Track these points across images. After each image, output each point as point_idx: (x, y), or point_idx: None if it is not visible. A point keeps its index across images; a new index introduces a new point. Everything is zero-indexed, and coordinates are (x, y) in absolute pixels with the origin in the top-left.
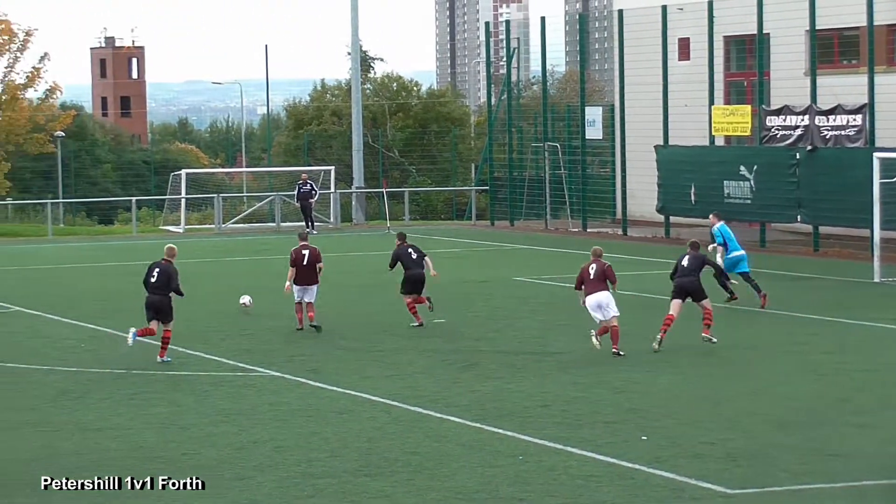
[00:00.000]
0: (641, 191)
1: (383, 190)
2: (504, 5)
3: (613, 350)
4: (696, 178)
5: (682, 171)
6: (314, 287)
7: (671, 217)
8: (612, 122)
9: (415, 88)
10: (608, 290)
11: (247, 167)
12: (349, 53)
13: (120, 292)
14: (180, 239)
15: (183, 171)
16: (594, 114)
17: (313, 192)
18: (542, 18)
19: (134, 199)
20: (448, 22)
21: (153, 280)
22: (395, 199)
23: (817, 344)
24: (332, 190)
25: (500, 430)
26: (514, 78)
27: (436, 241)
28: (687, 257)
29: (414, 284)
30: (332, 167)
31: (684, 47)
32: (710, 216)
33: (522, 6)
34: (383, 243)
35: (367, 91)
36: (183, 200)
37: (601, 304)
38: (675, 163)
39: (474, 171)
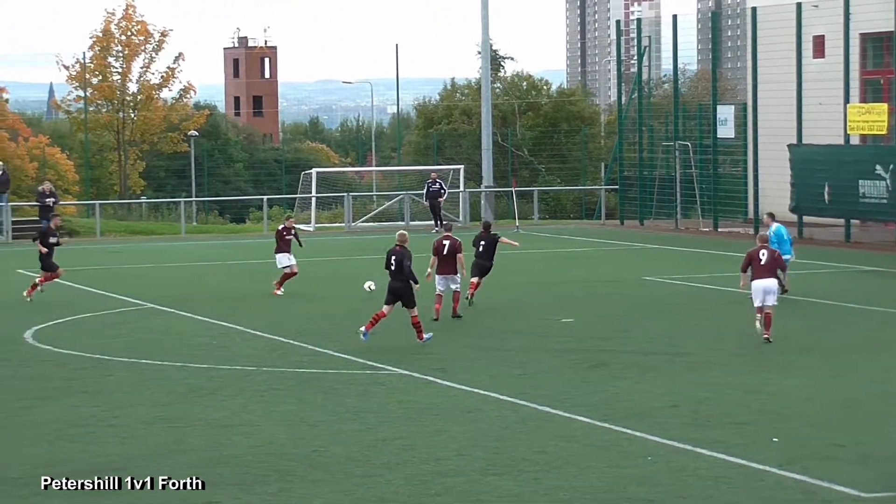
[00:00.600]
0: (774, 190)
1: (512, 189)
2: (636, 3)
3: (765, 336)
4: (830, 178)
5: (816, 171)
6: (457, 277)
7: (804, 217)
8: (745, 121)
9: (545, 87)
10: (776, 278)
11: (376, 166)
12: (479, 52)
13: (250, 290)
14: (311, 237)
15: (314, 170)
16: (726, 112)
17: (442, 190)
18: (674, 16)
19: (265, 197)
20: (579, 20)
21: (392, 268)
22: (524, 198)
23: None
24: (462, 189)
25: (629, 431)
26: (644, 76)
27: (565, 241)
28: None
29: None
30: (462, 166)
31: (819, 45)
32: (765, 217)
33: (654, 4)
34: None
35: (497, 90)
36: (313, 199)
37: (767, 290)
38: (809, 162)
39: (604, 171)
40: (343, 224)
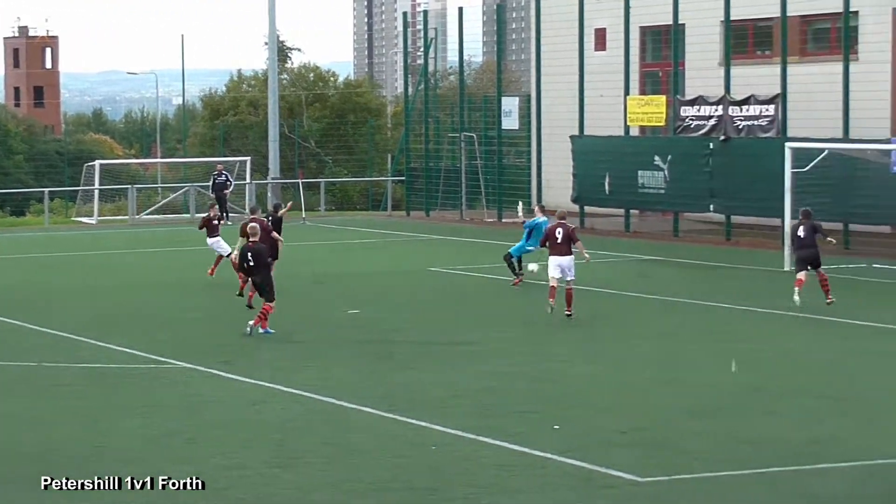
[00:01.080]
0: (557, 181)
1: (299, 180)
2: None
3: (567, 312)
4: (611, 168)
5: (598, 161)
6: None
7: (586, 207)
8: (529, 113)
9: (332, 79)
10: (572, 254)
11: (161, 158)
12: (266, 43)
13: (30, 284)
14: (93, 230)
15: (97, 162)
16: (510, 104)
17: (228, 182)
18: (460, 9)
19: (47, 190)
20: (366, 12)
21: (251, 263)
22: (312, 190)
23: (729, 332)
24: (248, 181)
25: (413, 421)
26: (431, 68)
27: (352, 232)
28: (802, 227)
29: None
30: (249, 158)
31: (601, 37)
32: (535, 208)
33: None
34: (299, 234)
35: (284, 81)
36: (96, 191)
37: (563, 266)
38: (591, 153)
39: (391, 162)
40: (127, 217)
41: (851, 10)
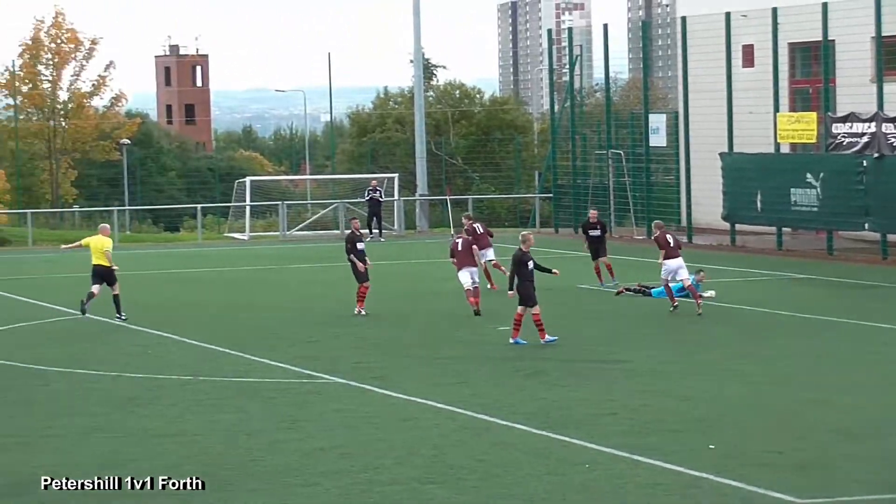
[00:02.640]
0: (705, 198)
1: (447, 197)
2: (566, 13)
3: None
4: (761, 186)
5: (748, 179)
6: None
7: (737, 225)
8: (676, 130)
9: (477, 96)
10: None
11: (311, 174)
12: (412, 61)
13: (185, 299)
14: (245, 246)
15: (247, 179)
16: (658, 121)
17: (381, 198)
18: (605, 25)
19: (199, 206)
20: (511, 29)
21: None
22: (459, 207)
23: (887, 353)
24: (396, 197)
25: (566, 438)
26: (576, 85)
27: (499, 250)
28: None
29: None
30: (396, 174)
31: (748, 54)
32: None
33: (585, 13)
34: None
35: (430, 98)
36: (248, 208)
37: (679, 266)
38: (741, 170)
39: (538, 179)
40: (277, 233)
41: None
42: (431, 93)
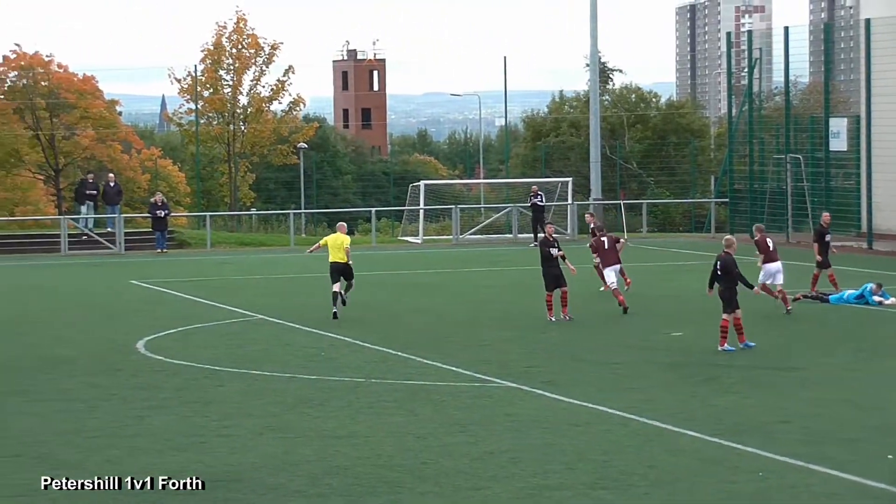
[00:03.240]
0: (888, 203)
1: (621, 201)
2: (746, 15)
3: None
4: None
5: None
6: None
7: None
8: (858, 134)
9: (654, 100)
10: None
11: (484, 179)
12: (588, 65)
13: (357, 301)
14: (418, 250)
15: (422, 183)
16: (839, 125)
17: (541, 203)
18: (786, 28)
19: (373, 209)
20: (689, 33)
21: (719, 273)
22: (633, 211)
23: None
24: (570, 201)
25: (739, 446)
26: (755, 89)
27: (674, 254)
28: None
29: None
30: (570, 179)
31: None
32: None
33: (765, 16)
34: (623, 255)
35: (606, 103)
36: (421, 211)
37: (778, 270)
38: None
39: (714, 183)
40: (451, 236)
41: None
42: (607, 97)
